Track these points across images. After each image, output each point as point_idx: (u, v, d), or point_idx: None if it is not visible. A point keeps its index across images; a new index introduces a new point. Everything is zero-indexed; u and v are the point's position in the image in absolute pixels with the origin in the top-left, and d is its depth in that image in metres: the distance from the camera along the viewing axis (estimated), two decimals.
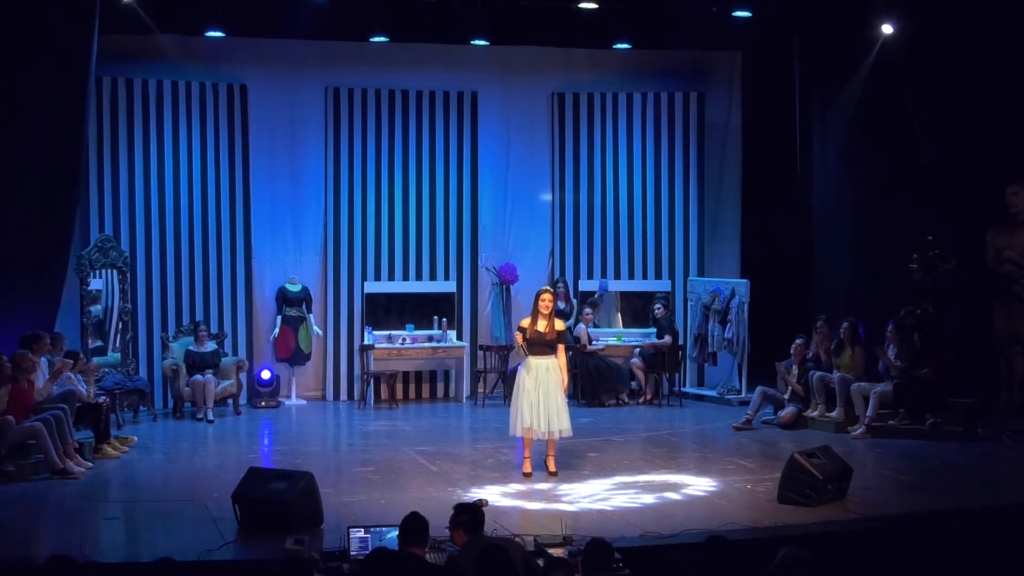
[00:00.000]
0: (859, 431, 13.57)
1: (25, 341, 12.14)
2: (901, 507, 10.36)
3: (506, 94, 17.26)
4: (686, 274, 17.22)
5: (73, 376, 12.66)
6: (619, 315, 17.30)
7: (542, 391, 11.38)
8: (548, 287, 12.23)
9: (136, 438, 13.23)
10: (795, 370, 14.51)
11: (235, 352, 16.04)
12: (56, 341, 12.67)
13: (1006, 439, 13.11)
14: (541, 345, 11.52)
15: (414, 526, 7.13)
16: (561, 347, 11.69)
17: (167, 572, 6.69)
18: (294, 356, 16.29)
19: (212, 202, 16.08)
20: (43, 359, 12.26)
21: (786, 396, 14.54)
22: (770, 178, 17.26)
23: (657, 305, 16.52)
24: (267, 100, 16.44)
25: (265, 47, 16.36)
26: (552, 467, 11.53)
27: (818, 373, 14.22)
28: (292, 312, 16.18)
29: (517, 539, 8.43)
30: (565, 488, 11.04)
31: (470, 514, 7.48)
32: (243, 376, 15.69)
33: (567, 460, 12.22)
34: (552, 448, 11.59)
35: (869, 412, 13.59)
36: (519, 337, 11.65)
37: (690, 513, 10.11)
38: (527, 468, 11.50)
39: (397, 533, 7.38)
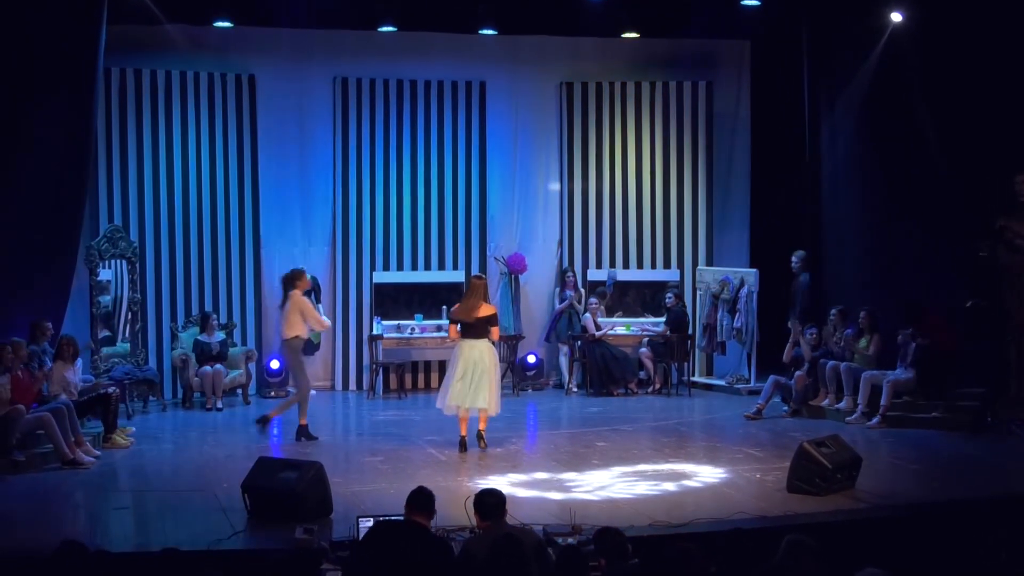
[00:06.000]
0: (872, 421, 13.52)
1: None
2: (910, 496, 10.35)
3: (514, 84, 17.21)
4: (695, 263, 17.18)
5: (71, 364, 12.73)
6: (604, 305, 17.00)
7: (470, 370, 12.10)
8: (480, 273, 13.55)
9: (134, 428, 13.24)
10: (806, 366, 14.49)
11: (244, 342, 16.07)
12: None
13: (1015, 429, 13.07)
14: (470, 327, 12.24)
15: (417, 496, 7.36)
16: (494, 329, 12.38)
17: (174, 562, 6.70)
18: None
19: (221, 193, 16.09)
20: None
21: (793, 356, 14.77)
22: (779, 167, 17.20)
23: (669, 295, 16.49)
24: (275, 90, 16.43)
25: (273, 37, 16.35)
26: (482, 444, 12.30)
27: (831, 363, 14.20)
28: None
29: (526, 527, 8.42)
30: (574, 477, 11.05)
31: (492, 499, 7.50)
32: (252, 366, 15.74)
33: (576, 449, 12.24)
34: (483, 423, 12.33)
35: (883, 401, 13.54)
36: (452, 330, 12.40)
37: (699, 502, 10.12)
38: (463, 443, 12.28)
39: None
